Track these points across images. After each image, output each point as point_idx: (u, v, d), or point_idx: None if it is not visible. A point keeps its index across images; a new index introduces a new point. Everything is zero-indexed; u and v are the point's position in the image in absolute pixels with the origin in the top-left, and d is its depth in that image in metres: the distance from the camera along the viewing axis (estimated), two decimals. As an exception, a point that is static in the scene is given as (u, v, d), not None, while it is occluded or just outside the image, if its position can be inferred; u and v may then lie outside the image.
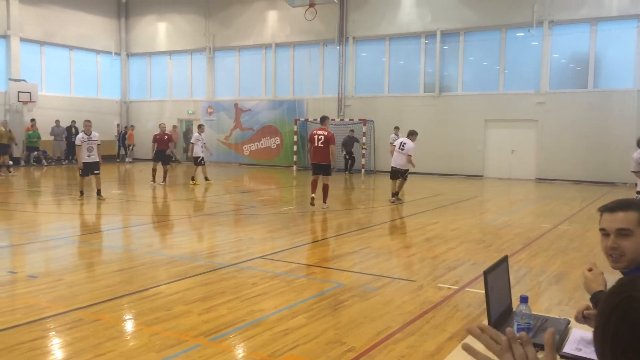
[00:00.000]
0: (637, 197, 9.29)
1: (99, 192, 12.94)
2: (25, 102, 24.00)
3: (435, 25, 21.58)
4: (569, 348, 2.17)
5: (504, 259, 2.49)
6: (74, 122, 24.76)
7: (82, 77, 27.74)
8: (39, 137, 23.40)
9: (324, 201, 11.97)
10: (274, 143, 25.38)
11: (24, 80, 24.38)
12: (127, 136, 27.55)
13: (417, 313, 5.16)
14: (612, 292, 1.15)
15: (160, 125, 17.67)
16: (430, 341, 4.47)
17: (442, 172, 21.22)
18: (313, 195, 12.05)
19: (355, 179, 20.27)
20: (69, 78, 27.16)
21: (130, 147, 27.59)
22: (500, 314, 2.36)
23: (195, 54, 27.66)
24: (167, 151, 16.84)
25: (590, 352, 2.08)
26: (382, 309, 5.29)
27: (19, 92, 23.81)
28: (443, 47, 21.77)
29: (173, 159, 22.52)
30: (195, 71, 27.93)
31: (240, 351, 4.30)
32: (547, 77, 19.90)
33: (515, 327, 2.13)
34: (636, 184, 10.20)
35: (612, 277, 1.62)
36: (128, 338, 4.55)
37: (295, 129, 23.99)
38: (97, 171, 12.87)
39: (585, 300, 2.37)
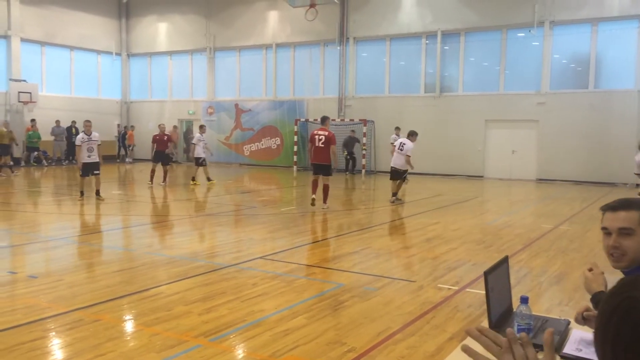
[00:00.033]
0: (639, 196, 9.28)
1: (97, 192, 12.95)
2: (25, 103, 24.01)
3: (435, 25, 21.58)
4: (569, 348, 2.17)
5: (505, 260, 2.49)
6: (74, 122, 24.77)
7: (83, 78, 27.75)
8: (39, 138, 23.41)
9: (324, 201, 11.97)
10: (275, 143, 25.38)
11: (24, 81, 24.39)
12: (127, 136, 27.56)
13: (418, 313, 5.16)
14: (613, 292, 1.15)
15: (159, 125, 17.64)
16: (431, 342, 4.46)
17: (443, 173, 21.21)
18: (314, 196, 12.05)
19: (356, 180, 20.27)
20: (69, 78, 27.18)
21: (131, 148, 27.60)
22: (500, 314, 2.36)
23: (195, 54, 27.67)
24: (166, 150, 16.84)
25: (590, 352, 2.08)
26: (382, 310, 5.28)
27: (19, 92, 23.82)
28: (444, 47, 21.76)
29: (173, 159, 22.55)
30: (196, 71, 27.94)
31: (240, 351, 4.29)
32: (548, 77, 19.89)
33: (515, 327, 2.13)
34: (637, 185, 10.20)
35: (613, 277, 1.61)
36: (128, 338, 4.55)
37: (295, 130, 23.98)
38: (97, 171, 12.88)
39: (585, 301, 2.36)
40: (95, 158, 12.79)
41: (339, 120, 22.76)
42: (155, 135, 16.83)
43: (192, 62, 27.97)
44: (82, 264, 7.30)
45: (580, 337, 2.26)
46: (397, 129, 18.97)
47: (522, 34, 20.25)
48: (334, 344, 4.38)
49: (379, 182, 18.98)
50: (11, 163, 19.81)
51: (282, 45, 25.28)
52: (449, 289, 6.02)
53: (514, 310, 2.31)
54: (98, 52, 28.38)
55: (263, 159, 25.63)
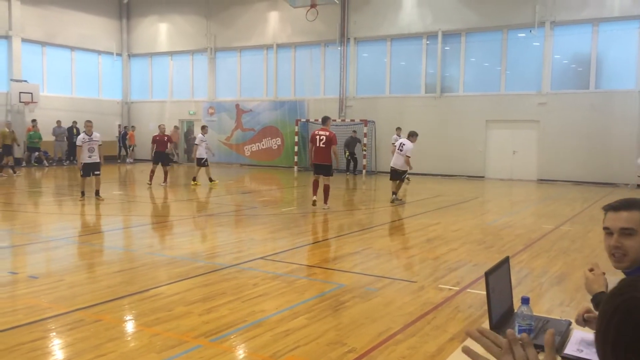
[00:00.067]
0: None
1: (97, 193, 12.97)
2: (26, 103, 24.03)
3: (436, 26, 21.57)
4: (570, 349, 2.17)
5: (505, 260, 2.49)
6: (75, 122, 24.78)
7: (84, 78, 27.78)
8: (40, 138, 23.41)
9: (325, 202, 11.97)
10: (275, 144, 25.39)
11: (25, 81, 24.41)
12: (128, 137, 27.57)
13: (418, 314, 5.16)
14: (614, 293, 1.14)
15: (159, 126, 17.59)
16: (431, 342, 4.46)
17: (444, 173, 21.21)
18: (315, 198, 12.06)
19: (356, 180, 20.27)
20: (70, 79, 27.19)
21: (131, 148, 27.61)
22: (501, 315, 2.35)
23: (196, 54, 27.68)
24: (166, 150, 16.83)
25: (591, 353, 2.08)
26: (383, 310, 5.28)
27: (20, 92, 23.83)
28: (444, 47, 21.76)
29: (174, 160, 22.55)
30: (197, 72, 27.95)
31: (241, 352, 4.29)
32: (549, 77, 19.88)
33: (516, 328, 2.13)
34: (639, 185, 10.19)
35: (614, 277, 1.61)
36: (129, 339, 4.55)
37: (296, 130, 23.98)
38: (98, 172, 12.90)
39: (586, 302, 2.36)
40: (96, 158, 12.82)
41: (339, 120, 22.75)
42: (155, 136, 16.81)
43: (192, 62, 27.98)
44: (83, 264, 7.30)
45: (581, 338, 2.26)
46: (398, 129, 18.96)
47: (523, 35, 20.25)
48: (334, 344, 4.37)
49: (380, 182, 18.96)
50: (11, 164, 19.83)
51: (283, 46, 25.28)
52: (450, 289, 6.02)
53: (515, 310, 2.31)
54: (99, 52, 28.40)
55: (264, 160, 25.63)
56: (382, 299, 5.66)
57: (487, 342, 1.37)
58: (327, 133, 11.80)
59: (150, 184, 16.12)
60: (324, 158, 11.75)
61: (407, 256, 7.87)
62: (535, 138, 20.06)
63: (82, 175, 12.87)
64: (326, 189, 11.91)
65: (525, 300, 2.17)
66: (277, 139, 25.26)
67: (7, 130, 19.80)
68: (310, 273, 6.90)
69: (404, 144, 13.20)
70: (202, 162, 16.83)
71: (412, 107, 22.03)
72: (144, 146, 25.91)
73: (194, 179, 16.90)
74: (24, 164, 23.49)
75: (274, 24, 25.32)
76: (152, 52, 29.06)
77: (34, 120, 23.37)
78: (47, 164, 23.88)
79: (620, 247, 2.15)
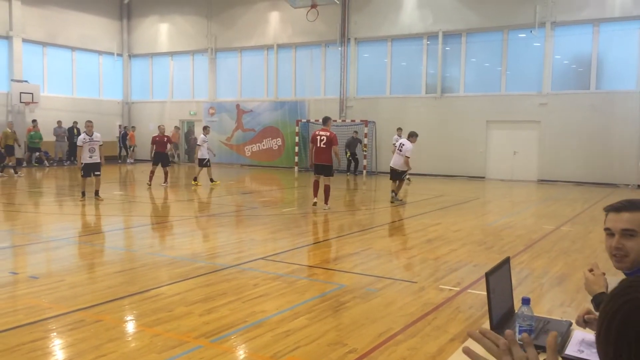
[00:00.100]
0: None
1: (97, 193, 12.99)
2: (27, 103, 24.05)
3: (437, 26, 21.57)
4: (571, 350, 2.17)
5: (506, 261, 2.49)
6: (75, 122, 24.79)
7: (84, 78, 27.80)
8: (40, 138, 23.43)
9: (326, 202, 11.97)
10: (276, 144, 25.39)
11: (26, 81, 24.43)
12: (128, 137, 27.57)
13: (419, 315, 5.15)
14: (615, 294, 1.14)
15: (159, 127, 17.55)
16: (432, 343, 4.46)
17: (444, 174, 21.20)
18: (315, 200, 12.06)
19: (357, 180, 20.27)
20: (71, 79, 27.21)
21: (132, 148, 27.62)
22: (502, 315, 2.35)
23: (197, 55, 27.69)
24: (167, 150, 16.83)
25: (592, 353, 2.08)
26: (383, 311, 5.28)
27: (21, 93, 23.86)
28: (445, 48, 21.76)
29: (174, 160, 22.54)
30: (197, 72, 27.96)
31: (241, 352, 4.29)
32: (550, 78, 19.87)
33: (517, 328, 2.13)
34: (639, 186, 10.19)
35: (614, 278, 1.61)
36: (129, 339, 4.55)
37: (296, 130, 23.99)
38: (98, 172, 12.92)
39: (587, 303, 2.36)
40: (96, 159, 12.84)
41: (340, 121, 22.75)
42: (154, 137, 16.79)
43: (193, 62, 27.99)
44: (84, 264, 7.30)
45: (582, 339, 2.26)
46: (399, 129, 18.97)
47: (524, 35, 20.24)
48: (335, 344, 4.37)
49: (380, 182, 18.96)
50: (13, 164, 19.85)
51: (284, 46, 25.29)
52: (451, 290, 6.02)
53: (516, 311, 2.31)
54: (99, 52, 28.41)
55: (264, 160, 25.63)
56: (383, 299, 5.66)
57: (488, 342, 1.37)
58: (328, 133, 11.80)
59: (150, 185, 16.13)
60: (325, 158, 11.76)
61: (407, 257, 7.87)
62: (535, 138, 20.05)
63: (82, 176, 12.88)
64: (327, 190, 11.91)
65: (525, 301, 2.17)
66: (278, 139, 25.27)
67: (9, 130, 19.84)
68: (310, 273, 6.90)
69: (403, 144, 13.23)
70: (204, 163, 16.83)
71: (413, 107, 22.03)
72: (144, 146, 25.90)
73: (195, 179, 16.91)
74: (24, 164, 23.51)
75: (274, 25, 25.33)
76: (152, 52, 29.08)
77: (34, 121, 23.39)
78: (47, 164, 23.89)
79: (622, 248, 2.15)
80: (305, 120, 23.98)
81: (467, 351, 1.39)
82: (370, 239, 9.08)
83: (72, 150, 24.14)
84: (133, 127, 28.24)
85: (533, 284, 6.38)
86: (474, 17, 20.90)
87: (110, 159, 23.82)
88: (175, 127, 26.92)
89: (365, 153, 22.32)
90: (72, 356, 4.12)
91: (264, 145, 25.73)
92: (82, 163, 12.74)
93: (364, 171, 22.25)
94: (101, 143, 13.02)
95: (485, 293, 2.26)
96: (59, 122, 24.87)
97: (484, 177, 20.83)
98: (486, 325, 2.27)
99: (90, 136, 12.77)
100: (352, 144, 21.93)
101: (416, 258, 7.70)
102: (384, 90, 23.08)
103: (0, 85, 24.26)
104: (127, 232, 10.04)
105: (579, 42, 19.60)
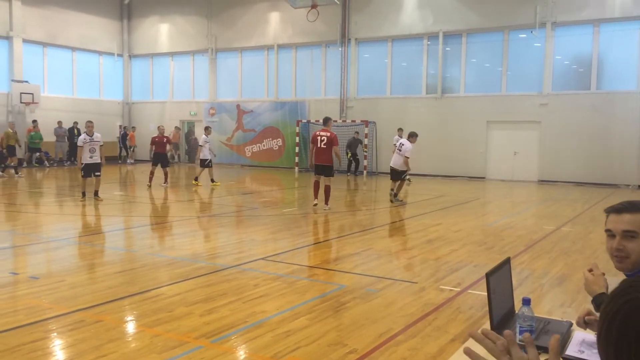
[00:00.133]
0: None
1: (96, 193, 12.99)
2: (27, 104, 24.05)
3: (437, 26, 21.57)
4: (571, 350, 2.17)
5: (507, 261, 2.48)
6: (76, 123, 24.80)
7: (85, 79, 27.81)
8: (41, 139, 23.44)
9: (326, 202, 11.97)
10: (276, 144, 25.39)
11: (26, 82, 24.44)
12: (128, 137, 27.58)
13: (419, 315, 5.15)
14: (616, 294, 1.14)
15: (158, 127, 17.54)
16: (432, 343, 4.45)
17: (445, 174, 21.20)
18: (316, 201, 12.05)
19: (357, 181, 20.27)
20: (71, 79, 27.22)
21: (132, 149, 27.63)
22: (502, 316, 2.35)
23: (197, 55, 27.70)
24: (167, 150, 16.83)
25: (592, 354, 2.08)
26: (384, 311, 5.28)
27: (21, 93, 23.87)
28: (445, 48, 21.76)
29: (173, 160, 22.54)
30: (198, 72, 27.96)
31: (241, 353, 4.29)
32: (550, 78, 19.87)
33: (517, 329, 2.13)
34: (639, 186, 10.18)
35: (614, 278, 1.61)
36: (130, 339, 4.55)
37: (297, 131, 23.99)
38: (98, 173, 12.92)
39: (587, 303, 2.36)
40: (97, 159, 12.84)
41: (340, 121, 22.75)
42: (154, 137, 16.79)
43: (193, 63, 28.00)
44: (84, 265, 7.30)
45: (583, 339, 2.26)
46: (400, 130, 18.96)
47: (524, 35, 20.24)
48: (335, 345, 4.37)
49: (381, 183, 18.96)
50: (14, 164, 19.87)
51: (284, 46, 25.29)
52: (451, 290, 6.02)
53: (516, 311, 2.31)
54: (100, 53, 28.42)
55: (264, 160, 25.63)
56: (383, 299, 5.66)
57: (489, 343, 1.37)
58: (328, 134, 11.80)
59: (150, 185, 16.13)
60: (325, 159, 11.76)
61: (408, 257, 7.87)
62: (536, 139, 20.05)
63: (83, 176, 12.88)
64: (327, 190, 11.91)
65: (526, 301, 2.17)
66: (278, 139, 25.27)
67: (10, 131, 19.86)
68: (311, 274, 6.90)
69: (403, 144, 13.25)
70: (206, 163, 16.83)
71: (413, 107, 22.03)
72: (144, 147, 25.93)
73: (196, 179, 16.92)
74: (25, 164, 23.51)
75: (274, 25, 25.33)
76: (152, 52, 29.09)
77: (34, 121, 23.40)
78: (48, 165, 23.90)
79: (623, 250, 2.15)
80: (305, 121, 23.98)
81: (468, 352, 1.39)
82: (370, 239, 9.08)
83: (73, 151, 24.14)
84: (133, 127, 28.25)
85: (533, 285, 6.37)
86: (475, 18, 20.90)
87: (110, 159, 23.82)
88: (176, 127, 26.93)
89: (365, 153, 22.32)
90: (73, 356, 4.12)
91: (264, 145, 25.73)
92: (82, 163, 12.76)
93: (365, 171, 22.25)
94: (101, 143, 13.03)
95: (485, 293, 2.26)
96: (59, 123, 24.88)
97: (484, 178, 20.83)
98: (487, 325, 2.27)
99: (91, 136, 12.77)
100: (353, 144, 21.93)
101: (416, 258, 7.69)
102: (385, 90, 23.08)
103: (0, 85, 24.27)
104: (127, 232, 10.04)
105: (580, 42, 19.60)
